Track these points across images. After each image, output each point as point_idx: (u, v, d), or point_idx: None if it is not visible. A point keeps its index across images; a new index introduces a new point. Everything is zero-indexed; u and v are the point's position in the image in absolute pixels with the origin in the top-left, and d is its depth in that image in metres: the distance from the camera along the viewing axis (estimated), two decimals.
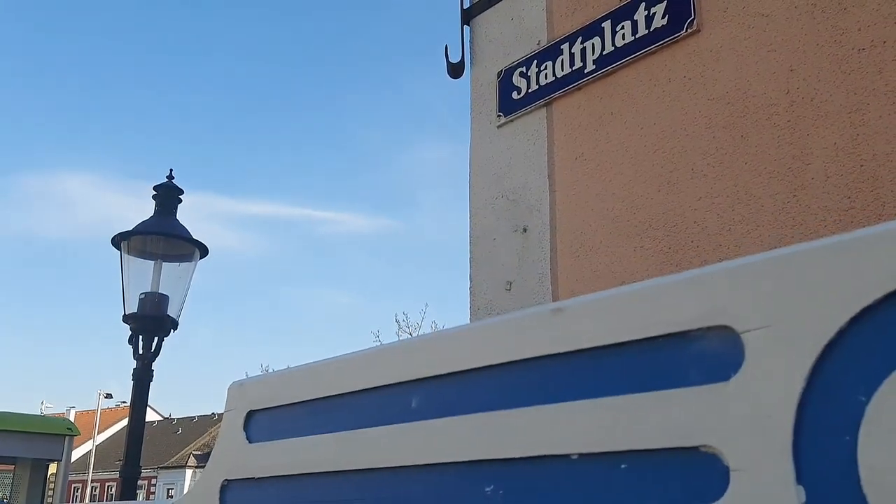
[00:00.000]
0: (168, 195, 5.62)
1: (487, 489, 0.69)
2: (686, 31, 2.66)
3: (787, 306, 0.54)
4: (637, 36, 2.81)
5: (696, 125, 2.57)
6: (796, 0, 2.42)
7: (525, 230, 3.01)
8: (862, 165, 2.17)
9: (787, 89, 2.38)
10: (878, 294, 0.50)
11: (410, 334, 23.32)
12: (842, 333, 0.51)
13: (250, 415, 0.98)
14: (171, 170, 5.74)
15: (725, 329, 0.57)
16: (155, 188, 5.64)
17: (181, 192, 5.68)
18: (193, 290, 5.57)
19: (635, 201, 2.68)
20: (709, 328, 0.58)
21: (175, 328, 5.45)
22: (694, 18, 2.65)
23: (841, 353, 0.51)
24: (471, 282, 3.16)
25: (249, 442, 0.97)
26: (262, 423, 0.97)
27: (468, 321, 3.19)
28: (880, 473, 0.47)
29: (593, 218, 2.80)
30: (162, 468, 37.13)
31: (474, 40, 3.49)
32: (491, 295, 3.05)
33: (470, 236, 3.23)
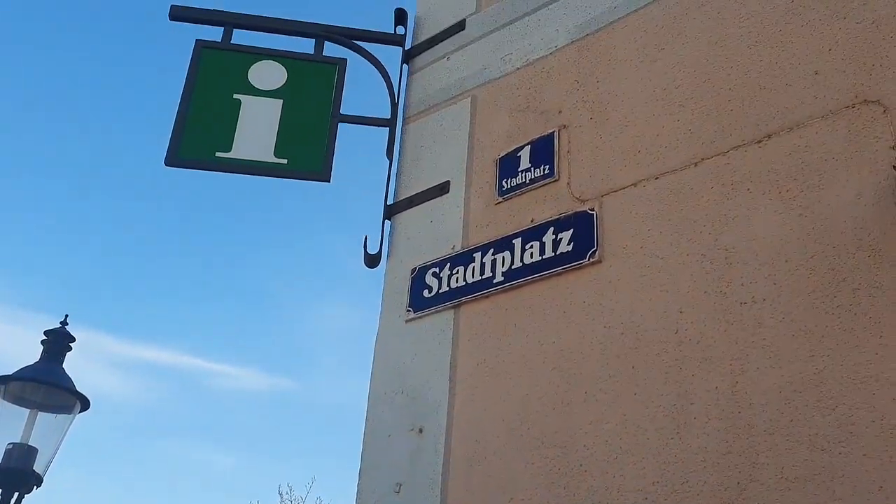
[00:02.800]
0: (58, 342, 5.43)
1: None
2: (588, 260, 2.86)
3: None
4: (544, 257, 2.99)
5: (592, 350, 2.70)
6: (687, 248, 2.65)
7: (421, 431, 3.01)
8: (740, 412, 2.30)
9: (676, 329, 2.54)
10: None
11: None
12: None
13: None
14: (67, 316, 5.57)
15: None
16: (46, 333, 5.44)
17: (73, 339, 5.51)
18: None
19: (531, 416, 2.74)
20: None
21: (39, 485, 5.09)
22: (596, 250, 2.85)
23: None
24: (360, 477, 3.11)
25: None
26: None
27: None
28: None
29: (489, 426, 2.84)
30: None
31: (393, 235, 3.63)
32: (379, 495, 2.99)
33: (364, 430, 3.21)
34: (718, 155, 2.72)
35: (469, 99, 3.65)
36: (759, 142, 2.65)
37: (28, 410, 5.05)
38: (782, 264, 2.42)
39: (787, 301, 2.36)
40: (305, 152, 3.77)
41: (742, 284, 2.47)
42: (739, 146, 2.69)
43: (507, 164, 3.33)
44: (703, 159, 2.76)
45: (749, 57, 2.83)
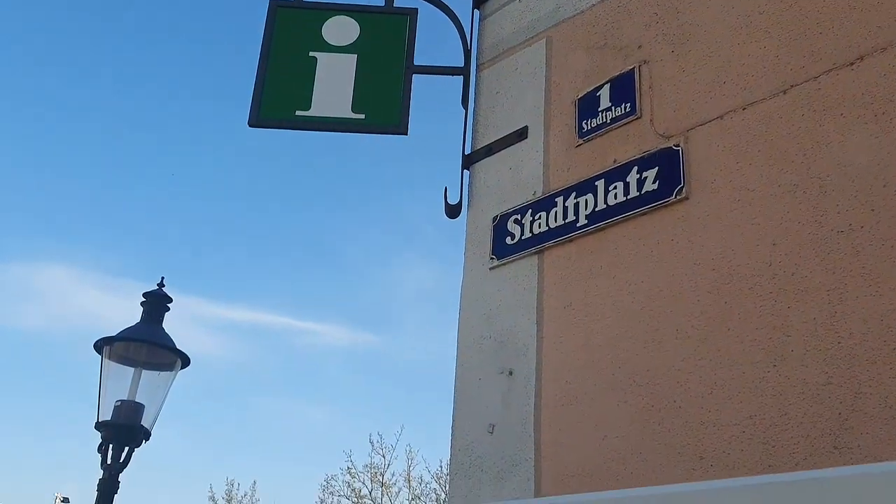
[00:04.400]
0: (157, 303, 5.66)
1: None
2: (675, 197, 2.81)
3: None
4: (628, 197, 2.95)
5: (682, 287, 2.67)
6: (778, 178, 2.58)
7: (511, 373, 3.05)
8: (840, 342, 2.25)
9: (770, 262, 2.49)
10: None
11: (384, 457, 22.77)
12: None
13: None
14: (163, 278, 5.80)
15: None
16: (144, 295, 5.68)
17: (170, 300, 5.73)
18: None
19: (621, 355, 2.75)
20: None
21: (147, 439, 5.37)
22: (683, 186, 2.80)
23: None
24: (453, 421, 3.18)
25: None
26: None
27: (448, 457, 3.18)
28: None
29: (579, 368, 2.86)
30: None
31: (473, 184, 3.64)
32: (473, 436, 3.06)
33: (455, 374, 3.27)
34: (808, 80, 2.63)
35: (544, 40, 3.60)
36: (851, 64, 2.54)
37: (133, 369, 5.32)
38: (880, 189, 2.33)
39: (887, 227, 2.28)
40: (382, 106, 3.80)
41: (838, 213, 2.40)
42: (830, 70, 2.59)
43: (587, 105, 3.28)
44: (792, 86, 2.66)
45: None
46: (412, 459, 23.34)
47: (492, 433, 2.99)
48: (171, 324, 5.62)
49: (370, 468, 22.82)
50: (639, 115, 3.07)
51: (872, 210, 2.33)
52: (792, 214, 2.50)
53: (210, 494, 26.52)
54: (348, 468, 22.90)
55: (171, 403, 5.48)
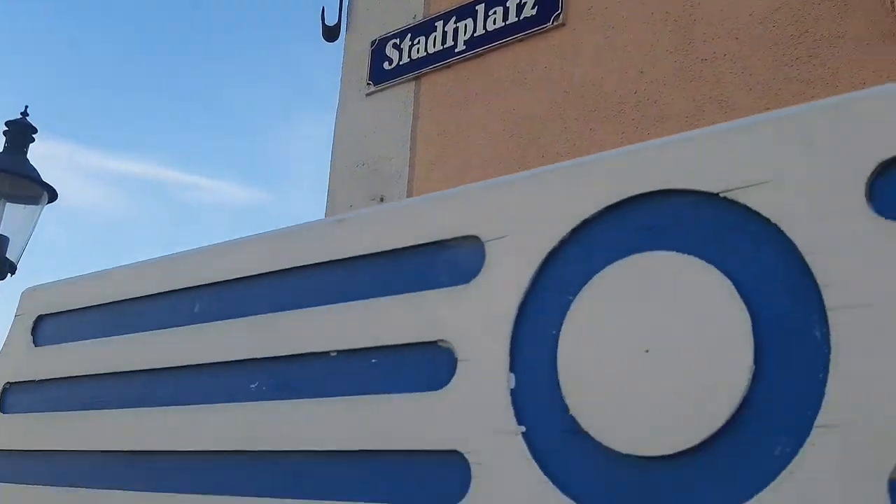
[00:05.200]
0: (20, 132, 5.30)
1: (252, 385, 0.72)
2: (552, 23, 2.77)
3: (522, 218, 0.60)
4: (507, 22, 2.89)
5: (552, 114, 2.68)
6: (653, 7, 2.57)
7: (382, 199, 3.04)
8: None
9: (636, 90, 2.52)
10: (594, 210, 0.56)
11: None
12: (563, 242, 0.57)
13: (39, 319, 0.96)
14: (27, 106, 5.42)
15: (474, 239, 0.63)
16: (6, 124, 5.30)
17: (35, 130, 5.37)
18: (41, 245, 5.30)
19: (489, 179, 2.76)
20: (461, 238, 0.64)
21: (13, 272, 5.16)
22: (560, 13, 2.76)
23: (560, 258, 0.57)
24: None
25: (35, 345, 0.95)
26: (50, 328, 0.96)
27: None
28: (571, 361, 0.53)
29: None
30: None
31: (352, 6, 3.49)
32: None
33: (327, 201, 3.24)
34: None
35: None
36: None
37: None
38: (746, 18, 2.36)
39: (748, 56, 2.33)
40: None
41: (704, 41, 2.42)
42: None
43: None
44: None
45: None
46: None
47: None
48: (48, 169, 5.31)
49: None
50: None
51: (737, 38, 2.36)
52: (661, 43, 2.51)
53: None
54: None
55: (48, 251, 5.26)
